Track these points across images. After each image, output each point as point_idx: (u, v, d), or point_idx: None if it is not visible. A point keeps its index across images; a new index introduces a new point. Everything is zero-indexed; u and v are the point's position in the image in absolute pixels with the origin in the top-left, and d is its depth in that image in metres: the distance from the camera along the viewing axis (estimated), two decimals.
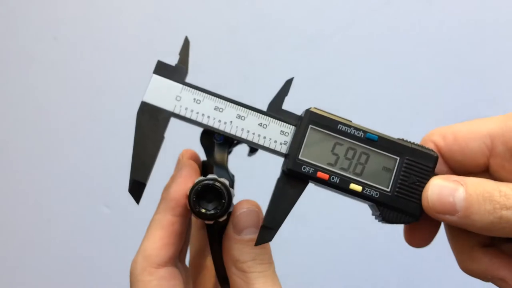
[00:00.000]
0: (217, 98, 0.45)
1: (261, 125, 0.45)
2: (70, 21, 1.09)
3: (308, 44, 1.08)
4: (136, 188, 0.44)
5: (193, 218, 0.51)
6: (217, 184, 0.43)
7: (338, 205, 0.98)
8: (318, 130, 0.44)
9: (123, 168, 1.14)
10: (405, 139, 0.45)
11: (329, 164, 0.43)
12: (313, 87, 1.06)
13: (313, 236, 1.05)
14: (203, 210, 0.43)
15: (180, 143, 0.53)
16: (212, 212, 0.43)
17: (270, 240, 0.43)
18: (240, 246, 0.45)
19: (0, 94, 1.08)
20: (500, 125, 0.42)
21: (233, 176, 0.49)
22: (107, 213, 1.06)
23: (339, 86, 1.07)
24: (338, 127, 0.44)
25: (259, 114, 0.45)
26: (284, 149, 0.44)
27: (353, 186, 0.43)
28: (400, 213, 0.43)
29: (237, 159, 0.53)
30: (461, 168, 0.45)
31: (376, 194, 0.43)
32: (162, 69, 0.46)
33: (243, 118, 0.45)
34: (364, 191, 0.43)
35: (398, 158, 0.44)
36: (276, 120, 0.45)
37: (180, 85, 0.45)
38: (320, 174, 0.43)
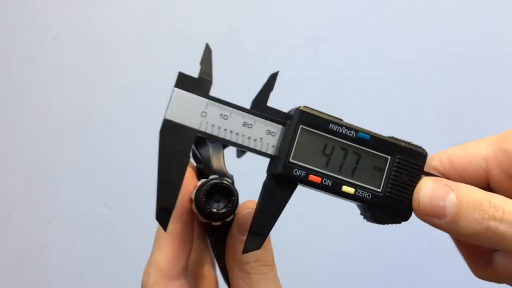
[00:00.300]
0: (246, 113, 0.41)
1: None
2: (70, 21, 1.09)
3: (308, 44, 1.08)
4: (165, 215, 0.40)
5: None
6: (225, 182, 0.43)
7: (338, 205, 0.98)
8: (309, 130, 0.41)
9: (123, 168, 1.14)
10: (395, 137, 0.44)
11: (321, 166, 0.41)
12: (313, 87, 1.06)
13: (314, 237, 1.05)
14: (214, 210, 0.42)
15: None
16: (223, 210, 0.42)
17: (259, 247, 0.40)
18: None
19: (0, 94, 1.08)
20: (493, 148, 0.43)
21: (232, 176, 0.49)
22: (107, 213, 1.06)
23: (339, 86, 1.07)
24: (329, 127, 0.42)
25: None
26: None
27: (345, 188, 0.42)
28: (391, 213, 0.43)
29: (233, 159, 0.53)
30: None
31: (368, 196, 0.42)
32: (184, 82, 0.40)
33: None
34: (356, 193, 0.42)
35: (390, 157, 0.43)
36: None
37: (205, 100, 0.41)
38: (312, 178, 0.41)
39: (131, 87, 1.07)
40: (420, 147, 0.44)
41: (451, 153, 0.45)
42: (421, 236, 0.98)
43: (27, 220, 1.06)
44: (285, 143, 0.41)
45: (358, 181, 0.42)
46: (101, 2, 1.10)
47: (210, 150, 0.46)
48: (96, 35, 1.09)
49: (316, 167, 0.41)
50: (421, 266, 1.03)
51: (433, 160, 0.46)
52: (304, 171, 0.41)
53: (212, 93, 0.41)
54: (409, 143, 0.43)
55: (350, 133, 0.42)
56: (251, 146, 0.41)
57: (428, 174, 0.44)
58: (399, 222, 0.43)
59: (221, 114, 0.41)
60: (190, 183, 0.45)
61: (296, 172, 0.41)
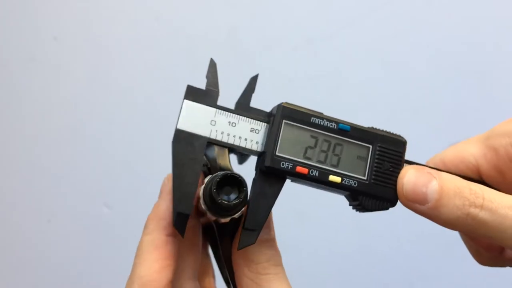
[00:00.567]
0: (252, 119, 0.44)
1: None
2: (70, 21, 1.09)
3: (307, 44, 1.08)
4: (182, 221, 0.41)
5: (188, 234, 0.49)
6: (235, 173, 0.43)
7: (338, 205, 0.98)
8: (292, 124, 0.44)
9: (123, 168, 1.14)
10: (374, 127, 0.45)
11: (306, 158, 0.43)
12: (313, 87, 1.06)
13: (314, 237, 1.05)
14: (226, 201, 0.42)
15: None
16: (236, 201, 0.42)
17: (254, 242, 0.42)
18: (256, 247, 0.44)
19: (0, 94, 1.08)
20: (481, 146, 0.46)
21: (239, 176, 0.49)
22: (107, 213, 1.06)
23: (339, 86, 1.07)
24: (311, 120, 0.44)
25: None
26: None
27: (332, 177, 0.43)
28: (378, 200, 0.44)
29: (234, 165, 0.53)
30: None
31: (355, 183, 0.44)
32: (192, 93, 0.44)
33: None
34: (343, 182, 0.43)
35: (371, 146, 0.45)
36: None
37: (214, 109, 0.44)
38: (299, 169, 0.43)
39: (131, 87, 1.07)
40: (399, 135, 0.46)
41: (443, 155, 0.48)
42: (421, 236, 0.98)
43: (27, 220, 1.06)
44: (271, 138, 0.43)
45: (344, 170, 0.44)
46: (101, 2, 1.10)
47: (215, 151, 0.46)
48: (96, 35, 1.09)
49: (302, 159, 0.43)
50: (421, 266, 1.03)
51: (428, 164, 0.48)
52: (290, 163, 0.43)
53: None
54: (388, 132, 0.46)
55: (331, 125, 0.44)
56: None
57: (411, 162, 0.46)
58: (387, 208, 0.45)
59: (230, 122, 0.44)
60: None
61: (283, 164, 0.43)
